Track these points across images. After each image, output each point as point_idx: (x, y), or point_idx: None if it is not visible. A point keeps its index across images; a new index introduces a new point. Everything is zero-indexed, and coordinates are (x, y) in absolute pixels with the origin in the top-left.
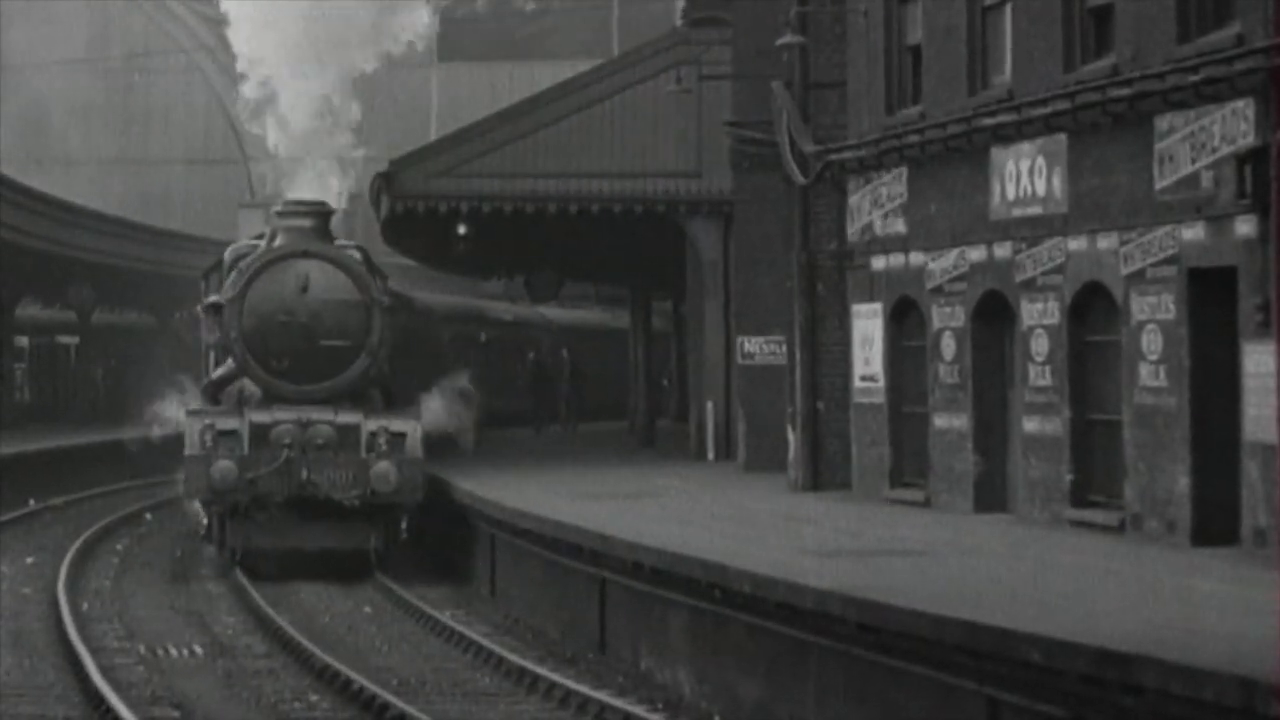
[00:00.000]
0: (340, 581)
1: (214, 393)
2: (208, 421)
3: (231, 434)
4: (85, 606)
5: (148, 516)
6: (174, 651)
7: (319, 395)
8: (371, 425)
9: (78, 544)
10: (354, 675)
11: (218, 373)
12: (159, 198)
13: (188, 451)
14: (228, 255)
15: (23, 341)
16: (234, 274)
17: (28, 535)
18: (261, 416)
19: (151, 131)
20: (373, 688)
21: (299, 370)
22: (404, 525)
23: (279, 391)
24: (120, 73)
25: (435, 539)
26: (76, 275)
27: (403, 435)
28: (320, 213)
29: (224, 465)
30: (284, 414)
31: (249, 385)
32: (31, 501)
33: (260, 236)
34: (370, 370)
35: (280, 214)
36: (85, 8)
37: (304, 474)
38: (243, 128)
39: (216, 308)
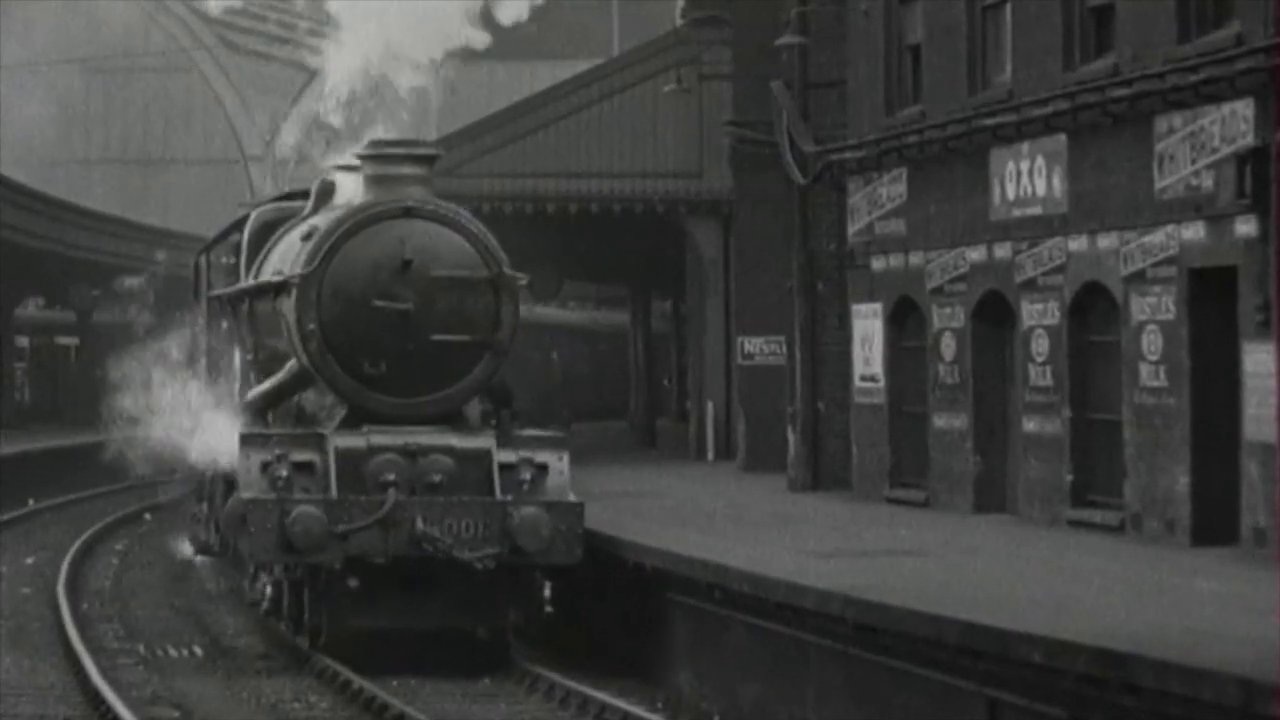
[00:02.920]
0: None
1: (261, 411)
2: (278, 451)
3: (307, 468)
4: (85, 606)
5: (147, 516)
6: (174, 652)
7: (429, 411)
8: (508, 455)
9: (78, 544)
10: None
11: (268, 383)
12: (159, 197)
13: (246, 493)
14: (252, 223)
15: (23, 341)
16: (289, 244)
17: (28, 535)
18: (352, 442)
19: (150, 131)
20: None
21: (401, 377)
22: (547, 593)
23: (373, 407)
24: (117, 71)
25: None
26: (76, 275)
27: (545, 468)
28: (424, 156)
29: (306, 514)
30: (383, 438)
31: (312, 399)
32: (31, 501)
33: (290, 196)
34: (496, 376)
35: (367, 157)
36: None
37: (417, 525)
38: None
39: (249, 295)
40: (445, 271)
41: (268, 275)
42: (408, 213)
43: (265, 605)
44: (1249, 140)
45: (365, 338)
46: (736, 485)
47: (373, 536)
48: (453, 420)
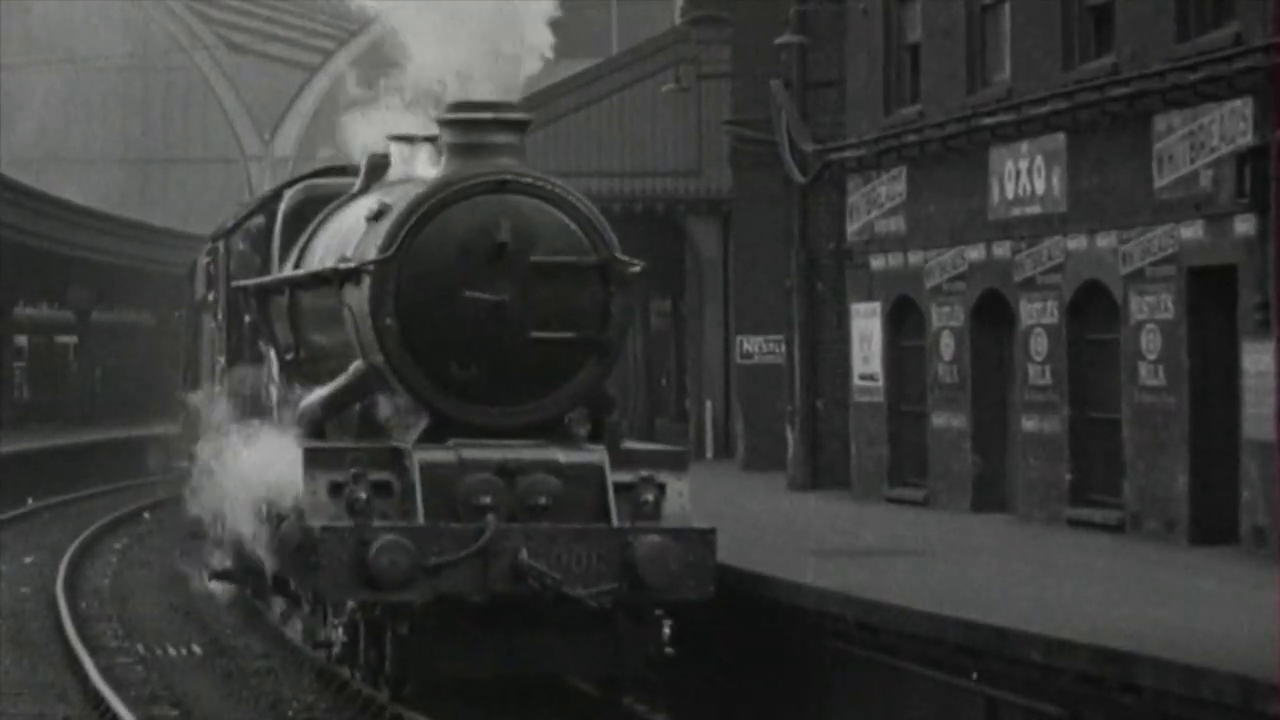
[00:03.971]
0: None
1: (319, 421)
2: (354, 470)
3: (384, 488)
4: (84, 605)
5: (146, 516)
6: (173, 651)
7: (527, 421)
8: (623, 473)
9: (77, 543)
10: None
11: (327, 388)
12: (158, 196)
13: (315, 519)
14: (288, 203)
15: (21, 341)
16: (346, 225)
17: (26, 534)
18: (440, 458)
19: (151, 130)
20: None
21: (495, 380)
22: (667, 634)
23: (460, 416)
24: (119, 70)
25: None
26: (75, 274)
27: (663, 489)
28: (516, 122)
29: (393, 545)
30: (476, 454)
31: (384, 407)
32: (30, 500)
33: (323, 173)
34: (605, 380)
35: (450, 122)
36: (82, 7)
37: (521, 556)
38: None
39: (291, 285)
40: (547, 257)
41: (317, 262)
42: (502, 187)
43: (337, 650)
44: (1248, 139)
45: (452, 335)
46: (738, 485)
47: (469, 570)
48: (554, 432)
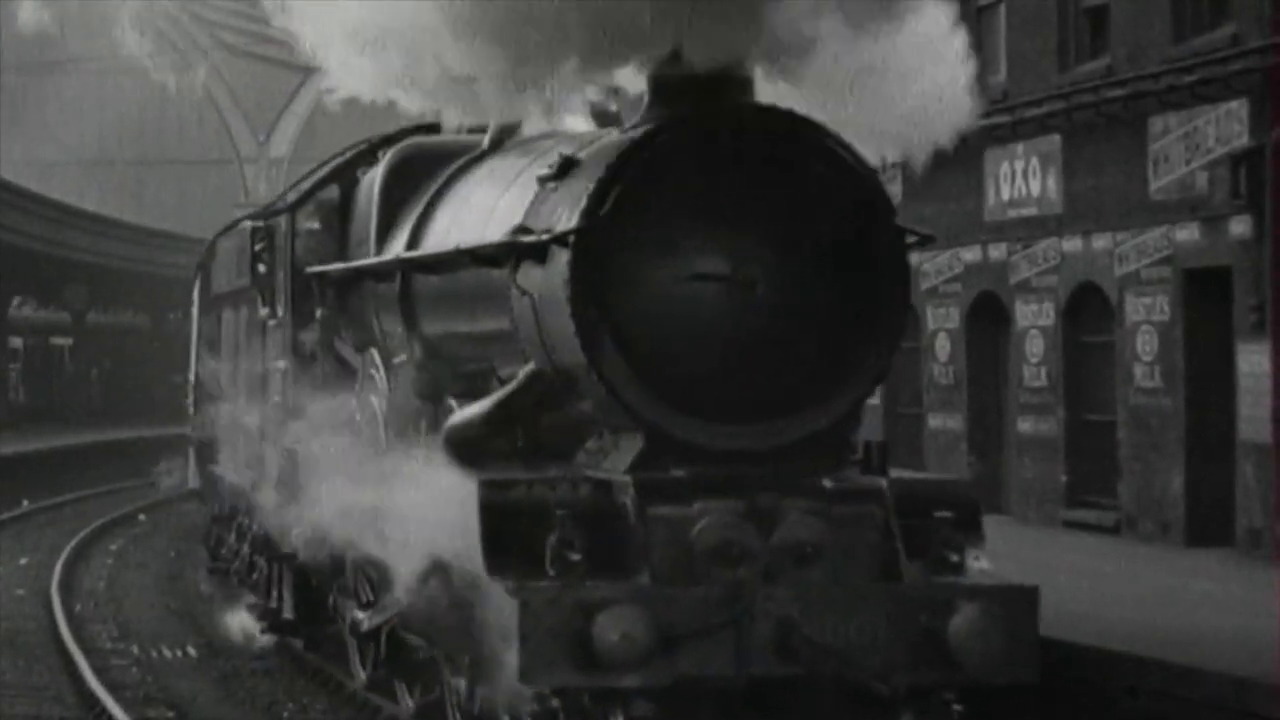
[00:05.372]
0: None
1: (474, 442)
2: (561, 511)
3: (595, 536)
4: (79, 607)
5: (141, 517)
6: (168, 652)
7: (781, 443)
8: (909, 513)
9: (72, 544)
10: None
11: (488, 401)
12: (152, 198)
13: (502, 578)
14: (391, 162)
15: (17, 342)
16: (495, 190)
17: (21, 536)
18: (670, 492)
19: (145, 132)
20: None
21: (737, 388)
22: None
23: (690, 436)
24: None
25: None
26: (70, 276)
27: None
28: (740, 79)
29: (623, 615)
30: (716, 486)
31: (562, 422)
32: (25, 502)
33: (411, 132)
34: (879, 384)
35: (664, 83)
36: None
37: (790, 626)
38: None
39: (409, 268)
40: (808, 225)
41: (442, 237)
42: (740, 125)
43: None
44: (1244, 141)
45: (680, 327)
46: None
47: (719, 645)
48: (816, 457)
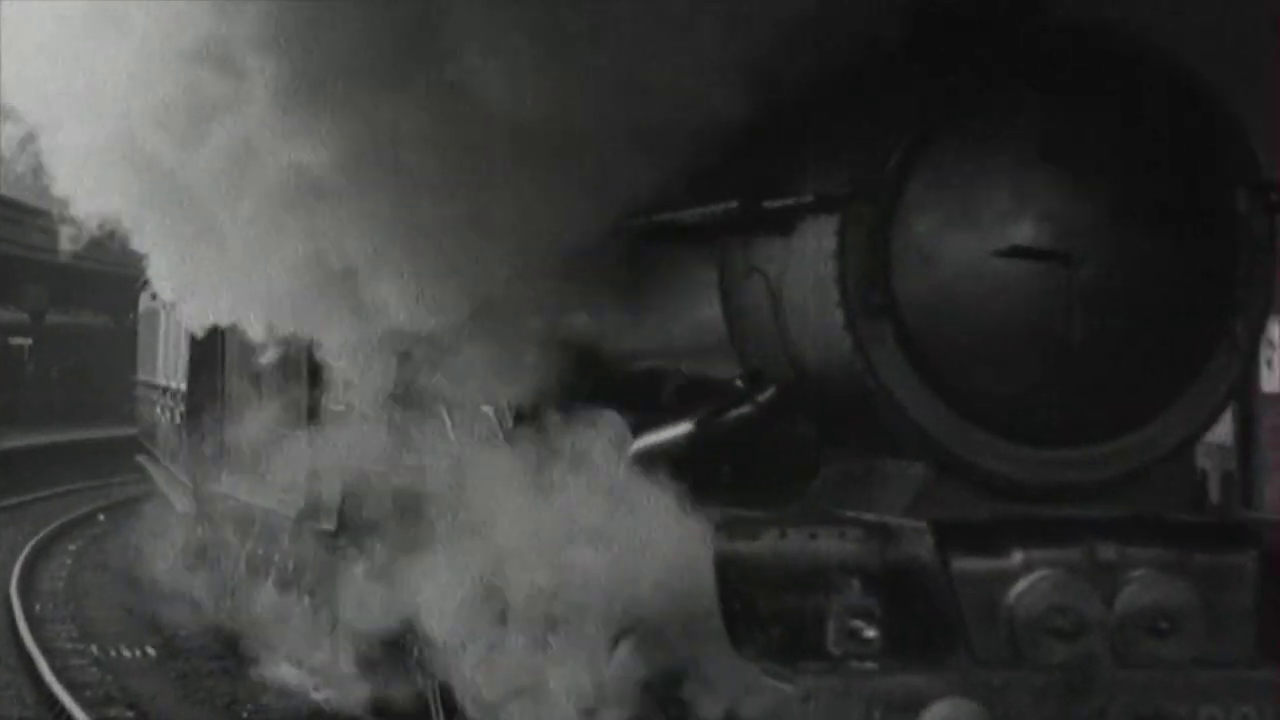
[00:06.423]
0: None
1: (676, 464)
2: (845, 569)
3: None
4: (38, 608)
5: (101, 518)
6: (127, 652)
7: (1111, 474)
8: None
9: (31, 545)
10: None
11: (701, 417)
12: None
13: (773, 666)
14: None
15: None
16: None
17: None
18: (979, 544)
19: None
20: None
21: (1047, 408)
22: None
23: (994, 466)
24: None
25: None
26: (29, 276)
27: None
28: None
29: (956, 710)
30: (1039, 535)
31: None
32: None
33: None
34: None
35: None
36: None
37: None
38: None
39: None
40: (1149, 182)
41: None
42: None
43: None
44: None
45: (983, 320)
46: None
47: None
48: (1164, 491)
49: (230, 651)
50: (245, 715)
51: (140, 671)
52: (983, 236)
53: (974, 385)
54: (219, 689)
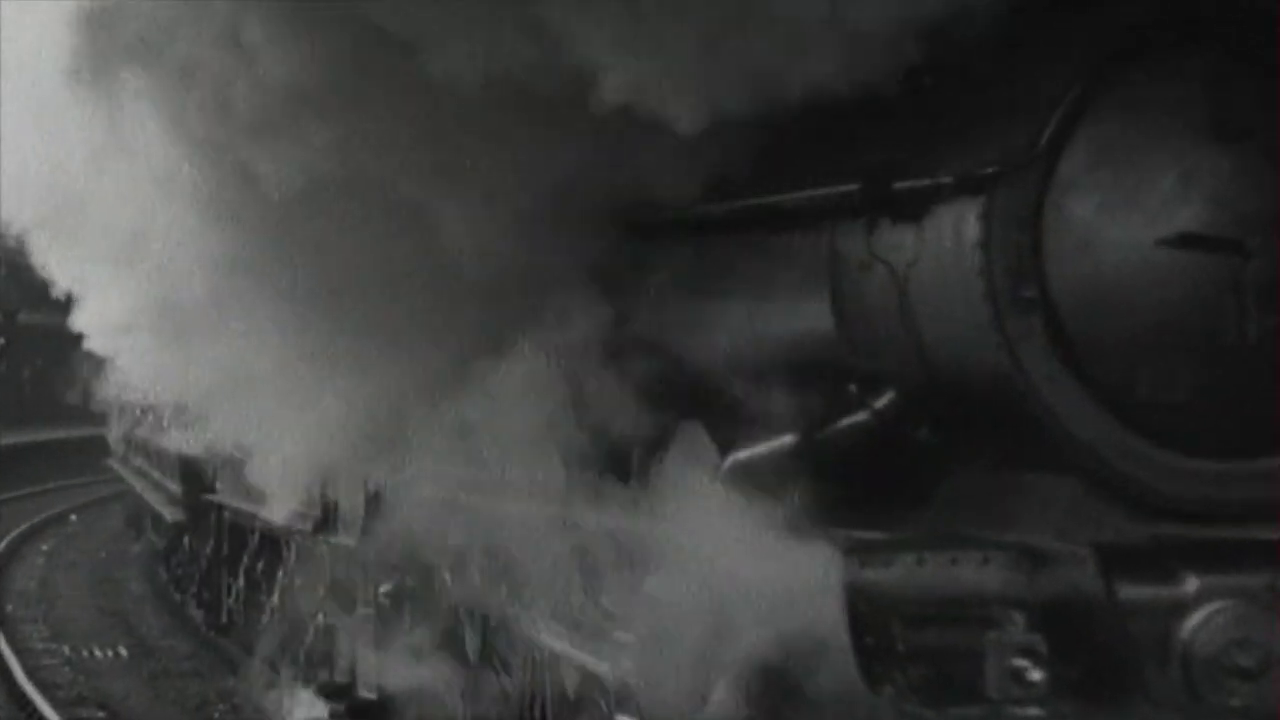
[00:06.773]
0: None
1: (766, 487)
2: (1014, 617)
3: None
4: (10, 608)
5: (73, 518)
6: (99, 653)
7: None
8: None
9: (3, 545)
10: None
11: (804, 430)
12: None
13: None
14: None
15: None
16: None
17: None
18: (1143, 569)
19: None
20: None
21: (1215, 417)
22: None
23: (1150, 479)
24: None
25: None
26: (1, 274)
27: None
28: None
29: None
30: (1213, 562)
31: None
32: None
33: None
34: None
35: None
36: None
37: None
38: None
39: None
40: None
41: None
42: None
43: None
44: None
45: (1144, 316)
46: None
47: None
48: None
49: (220, 659)
50: (216, 716)
51: (112, 672)
52: (1147, 222)
53: (1134, 389)
54: (190, 689)
